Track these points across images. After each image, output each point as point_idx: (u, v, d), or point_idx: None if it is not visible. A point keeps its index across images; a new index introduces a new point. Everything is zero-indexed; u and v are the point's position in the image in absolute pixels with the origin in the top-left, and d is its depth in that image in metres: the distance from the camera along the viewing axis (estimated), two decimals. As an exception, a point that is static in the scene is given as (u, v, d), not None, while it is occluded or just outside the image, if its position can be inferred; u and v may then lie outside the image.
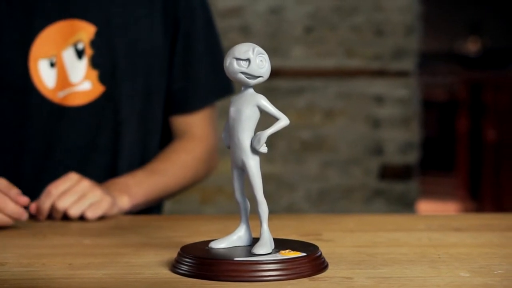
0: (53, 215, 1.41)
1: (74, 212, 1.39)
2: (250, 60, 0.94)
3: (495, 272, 0.96)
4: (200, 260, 0.94)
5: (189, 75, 1.64)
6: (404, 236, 1.22)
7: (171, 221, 1.44)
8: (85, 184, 1.41)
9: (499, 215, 1.49)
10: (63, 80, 1.52)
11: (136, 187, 1.52)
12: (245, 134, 0.95)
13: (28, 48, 1.51)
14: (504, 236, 1.23)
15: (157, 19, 1.58)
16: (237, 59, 0.94)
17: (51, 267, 1.01)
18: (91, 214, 1.40)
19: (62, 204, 1.39)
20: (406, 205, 4.01)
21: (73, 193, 1.39)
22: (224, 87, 1.69)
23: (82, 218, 1.40)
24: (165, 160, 1.62)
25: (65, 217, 1.40)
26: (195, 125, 1.68)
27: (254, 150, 0.95)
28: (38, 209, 1.40)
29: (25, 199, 1.34)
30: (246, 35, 3.96)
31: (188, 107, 1.67)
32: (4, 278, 0.95)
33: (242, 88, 0.96)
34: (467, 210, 5.34)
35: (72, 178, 1.41)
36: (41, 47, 1.51)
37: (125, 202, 1.49)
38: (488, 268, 0.98)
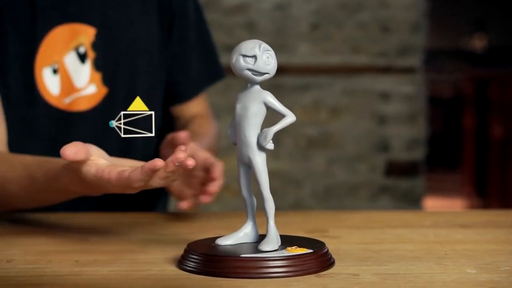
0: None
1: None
2: (257, 57, 0.94)
3: (502, 269, 0.96)
4: (206, 256, 0.94)
5: (183, 65, 1.66)
6: (410, 233, 1.22)
7: (177, 218, 1.44)
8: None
9: (506, 212, 1.49)
10: (68, 86, 1.50)
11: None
12: (252, 130, 0.95)
13: (34, 58, 1.48)
14: (510, 233, 1.23)
15: (152, 16, 1.57)
16: (244, 56, 0.94)
17: (57, 264, 1.01)
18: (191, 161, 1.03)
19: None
20: (412, 202, 4.01)
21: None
22: (215, 73, 1.72)
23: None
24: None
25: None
26: (196, 110, 1.70)
27: (261, 147, 0.95)
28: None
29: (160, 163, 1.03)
30: (252, 32, 3.95)
31: (184, 97, 1.68)
32: (10, 275, 0.95)
33: (249, 85, 0.96)
34: (473, 206, 5.34)
35: None
36: (44, 55, 1.49)
37: None
38: (494, 265, 0.98)
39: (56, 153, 1.49)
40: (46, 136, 1.50)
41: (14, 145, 1.49)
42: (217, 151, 1.71)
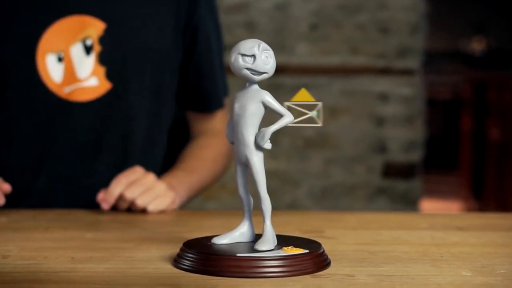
0: (118, 205, 1.44)
1: (141, 202, 1.43)
2: (256, 56, 0.94)
3: (497, 272, 0.96)
4: (202, 255, 0.94)
5: (210, 75, 1.68)
6: (407, 235, 1.22)
7: (173, 216, 1.44)
8: (151, 177, 1.46)
9: (502, 215, 1.49)
10: (70, 75, 1.52)
11: (179, 186, 1.55)
12: (249, 130, 0.95)
13: (36, 43, 1.50)
14: (506, 236, 1.23)
15: (166, 18, 1.58)
16: (243, 55, 0.94)
17: (53, 261, 1.01)
18: (152, 207, 1.44)
19: (131, 194, 1.42)
20: (409, 204, 4.01)
21: (140, 184, 1.44)
22: (227, 89, 1.74)
23: (142, 210, 1.44)
24: (197, 157, 1.67)
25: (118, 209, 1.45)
26: (215, 121, 1.72)
27: (258, 146, 0.95)
28: (106, 196, 1.43)
29: (7, 186, 1.43)
30: (251, 31, 3.95)
31: (211, 106, 1.71)
32: (6, 271, 0.95)
33: (247, 84, 0.96)
34: (470, 209, 5.34)
35: (137, 171, 1.46)
36: (50, 42, 1.51)
37: (175, 202, 1.53)
38: (490, 268, 0.98)
39: (50, 139, 1.53)
40: (42, 120, 1.52)
41: (10, 126, 1.52)
42: (225, 166, 1.73)
